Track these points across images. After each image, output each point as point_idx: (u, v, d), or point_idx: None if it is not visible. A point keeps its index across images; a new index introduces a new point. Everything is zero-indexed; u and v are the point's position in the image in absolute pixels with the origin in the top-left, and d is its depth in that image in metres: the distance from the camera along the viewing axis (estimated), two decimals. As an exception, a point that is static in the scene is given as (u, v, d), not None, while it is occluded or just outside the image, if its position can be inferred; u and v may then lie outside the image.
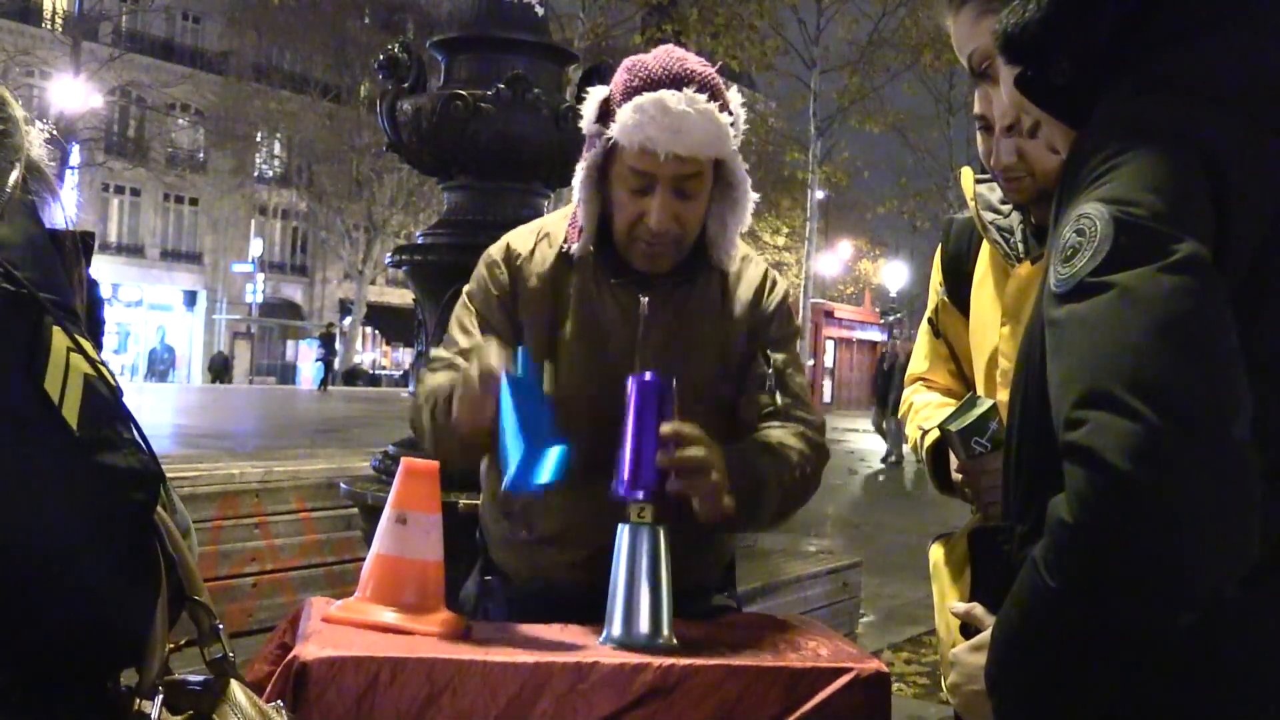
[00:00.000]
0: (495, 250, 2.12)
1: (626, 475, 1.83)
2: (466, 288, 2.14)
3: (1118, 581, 1.01)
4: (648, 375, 1.86)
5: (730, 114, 1.94)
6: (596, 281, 2.04)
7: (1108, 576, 1.02)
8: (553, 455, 1.72)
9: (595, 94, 2.01)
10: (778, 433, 2.02)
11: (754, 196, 2.03)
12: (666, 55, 1.96)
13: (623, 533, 1.84)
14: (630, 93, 1.92)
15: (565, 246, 2.05)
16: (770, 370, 2.07)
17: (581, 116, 2.02)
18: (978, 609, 1.32)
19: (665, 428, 1.82)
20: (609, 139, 1.93)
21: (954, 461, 2.05)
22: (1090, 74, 1.22)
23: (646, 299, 2.03)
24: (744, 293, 2.11)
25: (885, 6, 22.52)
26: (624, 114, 1.90)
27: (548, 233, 2.10)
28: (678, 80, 1.90)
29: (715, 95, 1.92)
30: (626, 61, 2.00)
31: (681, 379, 1.91)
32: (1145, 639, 1.05)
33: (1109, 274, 1.06)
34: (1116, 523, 1.00)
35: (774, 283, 2.16)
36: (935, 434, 2.09)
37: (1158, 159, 1.10)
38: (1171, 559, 1.00)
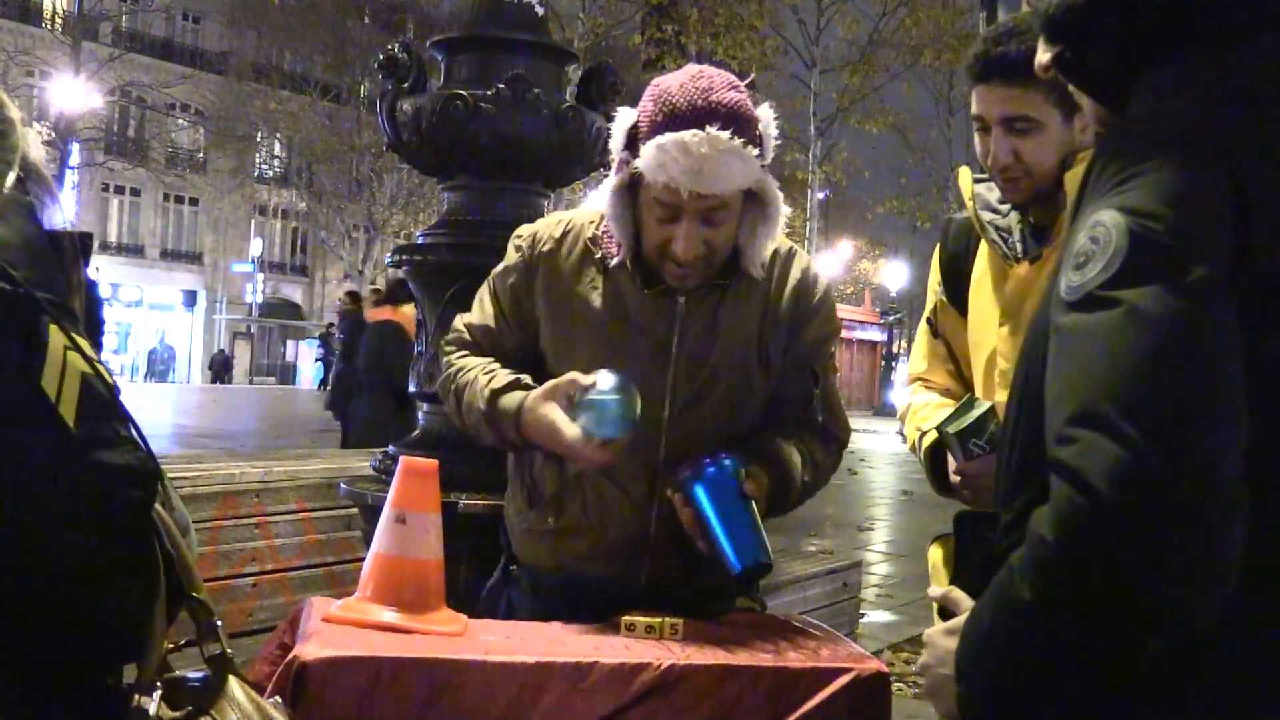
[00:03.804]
0: (524, 233, 2.15)
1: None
2: (498, 266, 2.17)
3: (1088, 604, 1.01)
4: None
5: (758, 145, 1.91)
6: (632, 284, 2.04)
7: (1079, 598, 1.02)
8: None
9: (623, 118, 1.99)
10: (813, 447, 2.11)
11: (786, 210, 2.03)
12: (693, 85, 1.91)
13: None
14: (655, 128, 1.89)
15: (598, 252, 2.06)
16: (817, 390, 2.12)
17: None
18: (955, 592, 1.32)
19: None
20: (635, 170, 1.93)
21: (952, 463, 2.05)
22: (1130, 59, 1.19)
23: (683, 299, 2.04)
24: (784, 291, 2.10)
25: (885, 6, 22.52)
26: (647, 151, 1.88)
27: (575, 226, 2.11)
28: (702, 117, 1.86)
29: (741, 127, 1.88)
30: (654, 88, 1.95)
31: (717, 372, 2.04)
32: (1112, 660, 1.04)
33: (1119, 289, 1.04)
34: (1093, 547, 1.00)
35: (815, 279, 2.15)
36: (934, 435, 2.10)
37: (1181, 170, 1.07)
38: (1143, 589, 0.99)
